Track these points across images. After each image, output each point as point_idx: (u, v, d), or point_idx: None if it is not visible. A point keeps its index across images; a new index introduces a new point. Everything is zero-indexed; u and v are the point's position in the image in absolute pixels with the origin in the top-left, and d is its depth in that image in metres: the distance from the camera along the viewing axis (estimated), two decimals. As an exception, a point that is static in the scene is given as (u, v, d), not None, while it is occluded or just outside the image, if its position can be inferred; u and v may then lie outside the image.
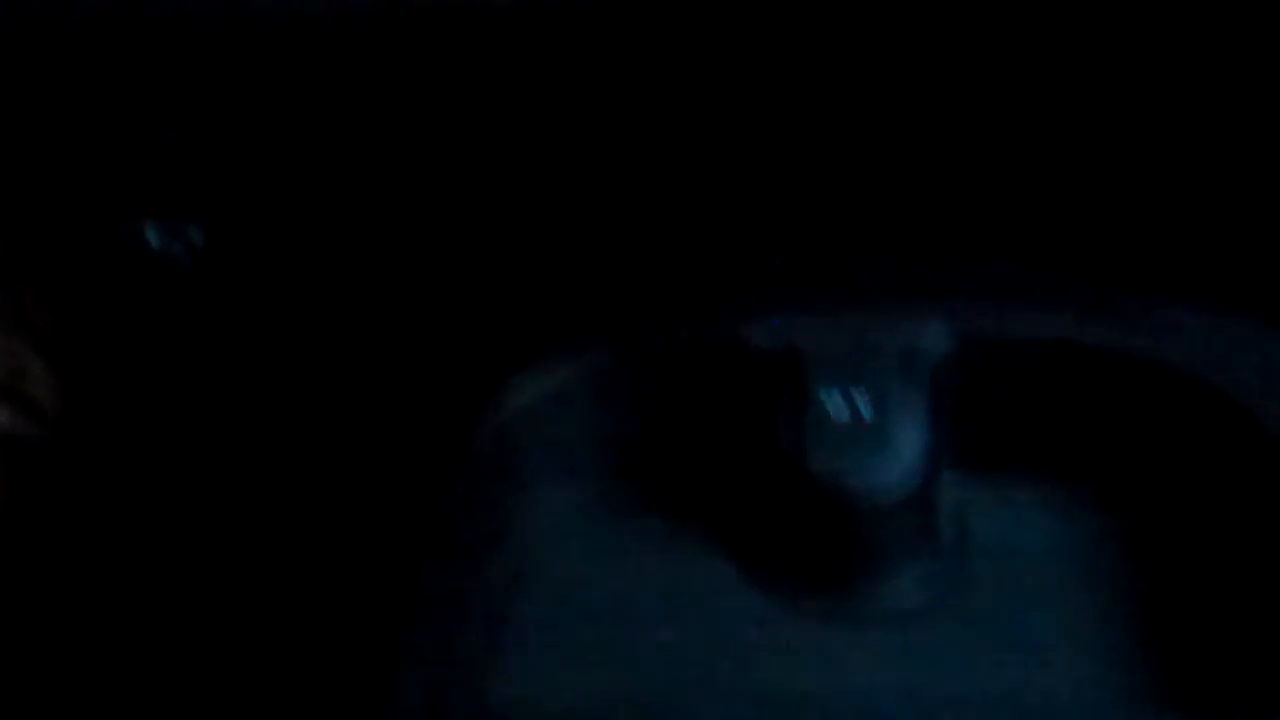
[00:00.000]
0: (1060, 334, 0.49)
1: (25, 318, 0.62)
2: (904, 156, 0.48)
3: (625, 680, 0.47)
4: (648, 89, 0.46)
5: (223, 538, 0.63)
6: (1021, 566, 0.49)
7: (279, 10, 0.46)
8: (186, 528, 0.65)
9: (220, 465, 0.65)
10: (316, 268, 0.58)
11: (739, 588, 0.50)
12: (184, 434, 0.68)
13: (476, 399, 0.50)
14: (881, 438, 0.47)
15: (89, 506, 0.65)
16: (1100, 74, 0.45)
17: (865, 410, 0.47)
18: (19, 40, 0.49)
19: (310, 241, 0.58)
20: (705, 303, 0.50)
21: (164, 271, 0.61)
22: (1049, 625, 0.48)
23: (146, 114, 0.50)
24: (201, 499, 0.67)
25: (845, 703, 0.45)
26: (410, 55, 0.46)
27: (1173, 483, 0.49)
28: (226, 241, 0.63)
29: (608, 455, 0.51)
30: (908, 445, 0.47)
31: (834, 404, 0.47)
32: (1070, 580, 0.49)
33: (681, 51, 0.45)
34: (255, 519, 0.60)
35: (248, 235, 0.61)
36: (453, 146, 0.49)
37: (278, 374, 0.62)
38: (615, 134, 0.48)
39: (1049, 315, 0.49)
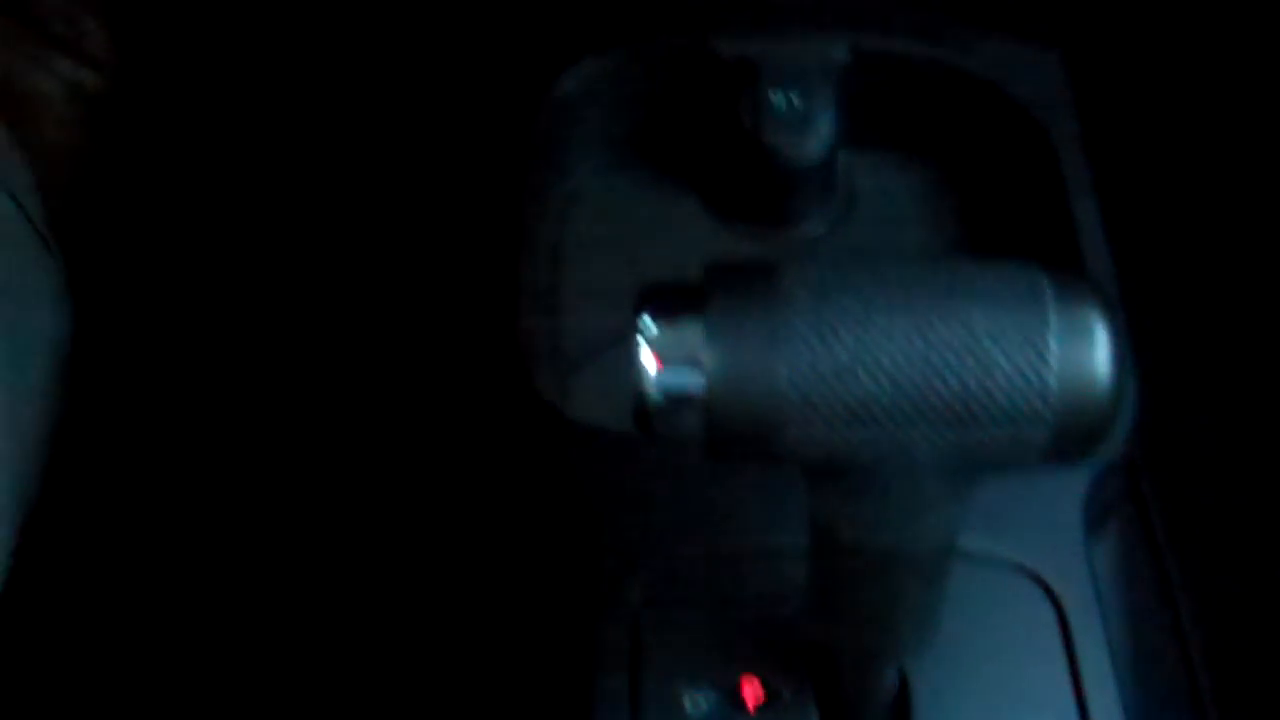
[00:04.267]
0: (922, 53, 0.74)
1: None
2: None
3: (631, 270, 0.69)
4: None
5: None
6: (889, 208, 0.75)
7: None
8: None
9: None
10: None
11: (709, 223, 0.74)
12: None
13: (533, 97, 0.72)
14: (806, 121, 0.70)
15: (144, 148, 0.79)
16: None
17: (796, 103, 0.71)
18: None
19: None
20: (687, 22, 0.73)
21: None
22: (909, 240, 0.74)
23: None
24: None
25: None
26: None
27: (984, 152, 0.75)
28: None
29: (622, 132, 0.75)
30: (822, 126, 0.71)
31: (777, 98, 0.70)
32: (920, 214, 0.75)
33: None
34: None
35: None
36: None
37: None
38: None
39: (914, 39, 0.74)
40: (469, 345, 0.78)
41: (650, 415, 0.46)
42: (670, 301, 0.46)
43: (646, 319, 0.46)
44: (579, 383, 0.68)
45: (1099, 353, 0.45)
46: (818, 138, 0.70)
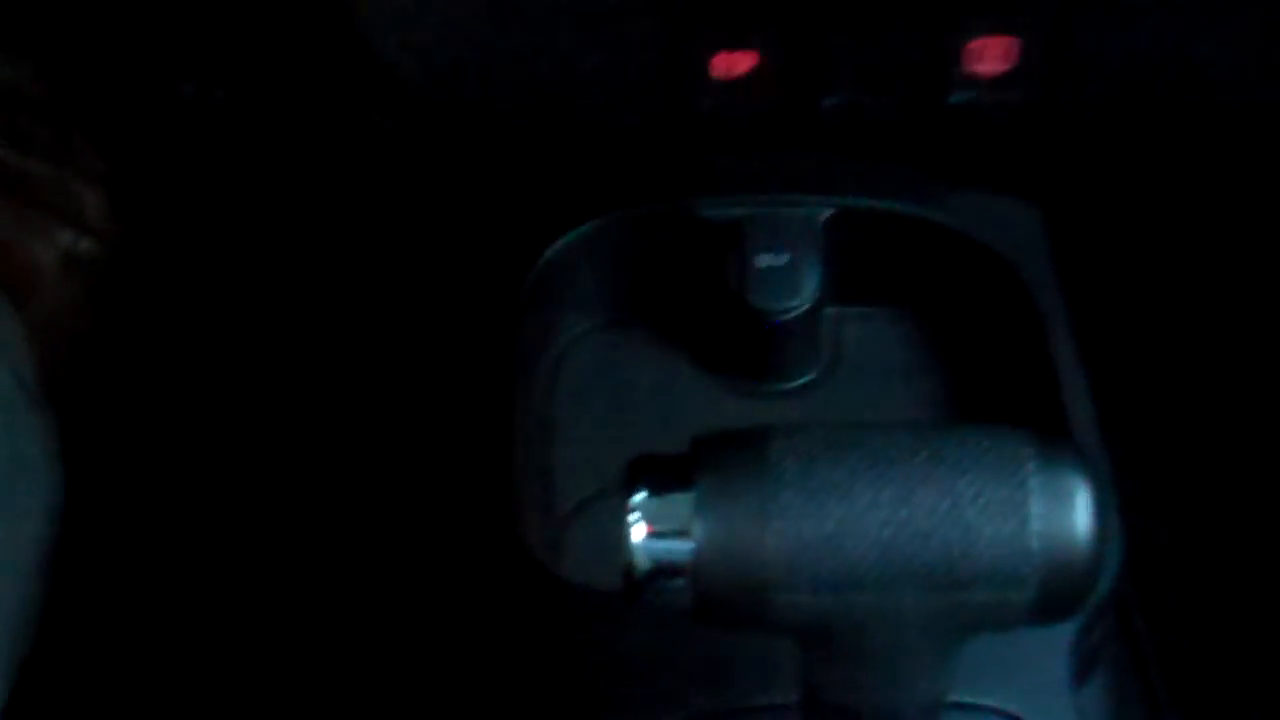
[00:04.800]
0: (899, 209, 0.75)
1: (79, 160, 0.76)
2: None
3: (621, 434, 0.71)
4: None
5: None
6: (874, 360, 0.75)
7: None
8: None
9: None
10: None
11: (697, 379, 0.75)
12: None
13: (525, 260, 0.74)
14: (790, 281, 0.71)
15: (141, 314, 0.82)
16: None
17: (780, 263, 0.72)
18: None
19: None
20: (674, 189, 0.75)
21: (194, 120, 0.81)
22: (894, 391, 0.75)
23: None
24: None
25: None
26: None
27: (966, 305, 0.76)
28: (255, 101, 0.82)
29: (612, 293, 0.76)
30: (807, 284, 0.71)
31: (761, 258, 0.71)
32: (904, 366, 0.76)
33: None
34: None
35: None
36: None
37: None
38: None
39: (891, 196, 0.75)
40: (460, 503, 0.78)
41: (639, 584, 0.47)
42: (660, 473, 0.47)
43: (638, 491, 0.47)
44: (569, 539, 0.69)
45: (1080, 516, 0.46)
46: (801, 296, 0.72)
